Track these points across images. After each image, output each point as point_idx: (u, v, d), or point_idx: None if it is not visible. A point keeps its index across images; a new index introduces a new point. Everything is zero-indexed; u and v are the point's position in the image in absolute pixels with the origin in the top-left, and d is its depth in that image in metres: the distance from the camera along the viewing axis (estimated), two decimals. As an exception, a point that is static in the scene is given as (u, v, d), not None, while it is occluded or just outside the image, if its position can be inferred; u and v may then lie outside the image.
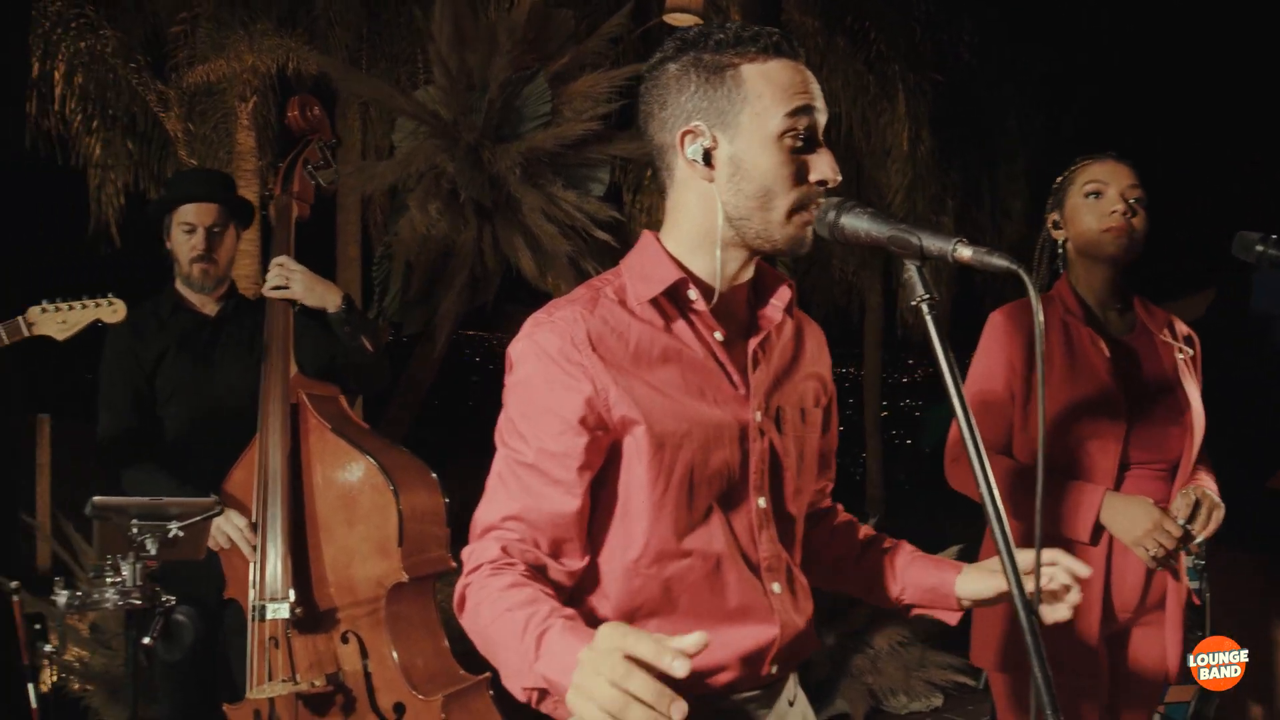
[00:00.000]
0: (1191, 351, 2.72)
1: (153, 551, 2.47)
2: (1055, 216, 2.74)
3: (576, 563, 1.57)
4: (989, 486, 1.40)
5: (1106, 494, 2.51)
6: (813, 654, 1.79)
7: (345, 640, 2.95)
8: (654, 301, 1.61)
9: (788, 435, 1.70)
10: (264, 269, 3.25)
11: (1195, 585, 3.37)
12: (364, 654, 2.94)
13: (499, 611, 1.41)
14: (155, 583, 2.49)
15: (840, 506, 2.00)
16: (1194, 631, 2.80)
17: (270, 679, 2.94)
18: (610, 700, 1.18)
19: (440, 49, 5.03)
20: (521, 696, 1.39)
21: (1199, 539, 2.52)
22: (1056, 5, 14.22)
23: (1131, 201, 2.61)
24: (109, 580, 2.43)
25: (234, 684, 3.13)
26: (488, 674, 3.01)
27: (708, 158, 1.58)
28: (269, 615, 2.93)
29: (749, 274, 1.67)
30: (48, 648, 2.85)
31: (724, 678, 1.61)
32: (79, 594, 2.40)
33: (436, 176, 5.01)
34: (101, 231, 10.24)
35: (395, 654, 2.91)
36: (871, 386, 15.28)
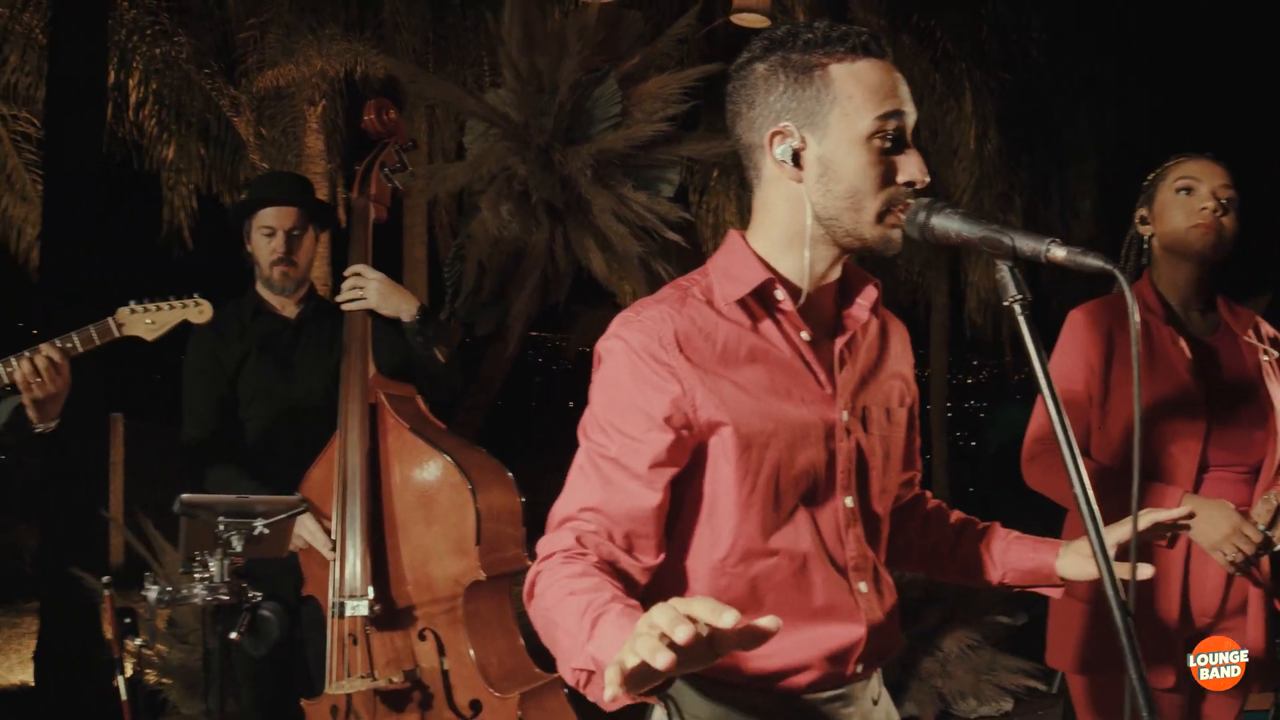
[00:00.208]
0: (1278, 354, 2.67)
1: (238, 548, 2.51)
2: (1144, 212, 2.70)
3: (650, 559, 1.57)
4: (1082, 484, 1.39)
5: (1185, 496, 2.47)
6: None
7: (423, 637, 2.98)
8: (741, 301, 1.62)
9: (874, 435, 1.70)
10: (333, 271, 3.29)
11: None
12: (441, 651, 2.96)
13: (562, 596, 1.42)
14: (241, 579, 2.53)
15: (928, 494, 1.99)
16: (1276, 638, 2.74)
17: (349, 675, 2.98)
18: (661, 616, 1.12)
19: (510, 51, 5.06)
20: (570, 679, 1.38)
21: None
22: (1128, 2, 14.00)
23: (1223, 200, 2.57)
24: (197, 576, 2.48)
25: (311, 680, 3.18)
26: (562, 672, 3.02)
27: (796, 158, 1.58)
28: (348, 612, 2.97)
29: (836, 273, 1.67)
30: (138, 641, 2.91)
31: (809, 676, 1.62)
32: (169, 589, 2.44)
33: (508, 178, 5.05)
34: (174, 235, 10.42)
35: (472, 651, 2.94)
36: (937, 387, 15.17)
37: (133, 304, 2.90)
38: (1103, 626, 2.49)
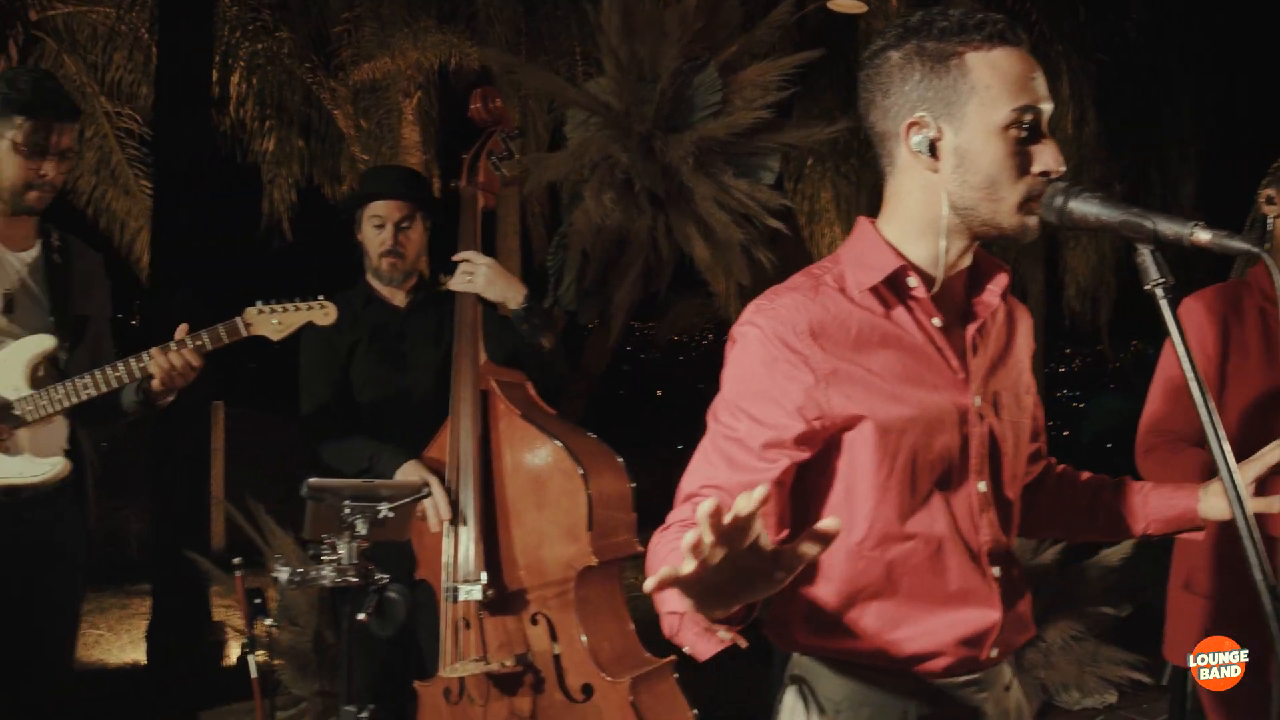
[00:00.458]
0: None
1: (363, 532, 2.56)
2: (1270, 193, 2.64)
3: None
4: (1229, 467, 1.38)
5: None
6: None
7: (535, 622, 3.02)
8: (873, 289, 1.62)
9: (1005, 420, 1.69)
10: (432, 260, 3.33)
11: None
12: (553, 635, 3.00)
13: (669, 551, 1.45)
14: (369, 561, 2.59)
15: (1053, 460, 1.97)
16: None
17: (462, 658, 3.03)
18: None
19: (610, 39, 5.07)
20: (666, 627, 1.43)
21: None
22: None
23: None
24: (325, 558, 2.54)
25: (423, 662, 3.24)
26: (673, 657, 3.05)
27: (932, 148, 1.58)
28: (461, 596, 3.02)
29: (968, 260, 1.66)
30: (268, 621, 2.98)
31: (944, 661, 1.62)
32: (299, 571, 2.51)
33: (610, 167, 5.07)
34: (274, 227, 10.62)
35: (584, 636, 2.97)
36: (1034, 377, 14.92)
37: (260, 304, 2.96)
38: (1225, 623, 2.44)
